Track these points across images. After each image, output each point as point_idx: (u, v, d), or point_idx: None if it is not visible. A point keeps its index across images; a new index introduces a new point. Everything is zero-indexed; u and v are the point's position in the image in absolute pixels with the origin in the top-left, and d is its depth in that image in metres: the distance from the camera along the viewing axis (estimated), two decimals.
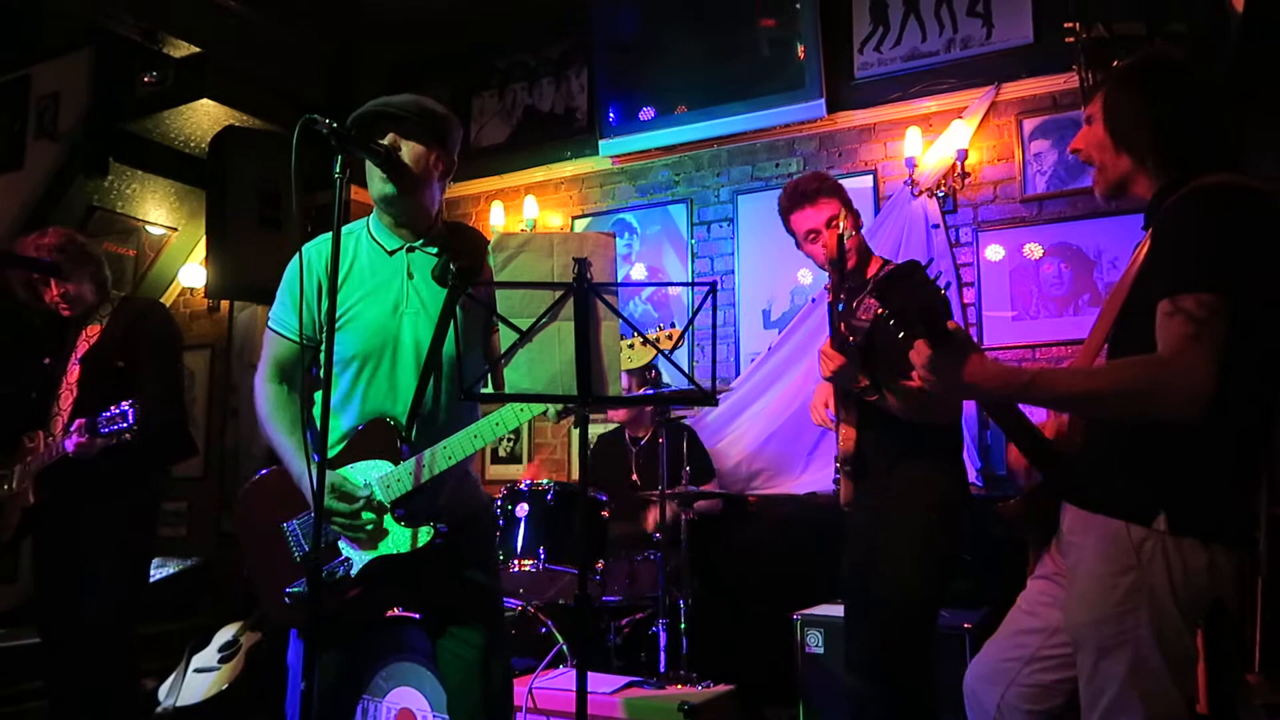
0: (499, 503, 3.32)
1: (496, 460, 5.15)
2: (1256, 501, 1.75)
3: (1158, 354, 1.54)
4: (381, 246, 2.18)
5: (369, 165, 2.09)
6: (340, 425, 2.13)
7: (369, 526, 2.04)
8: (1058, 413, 1.90)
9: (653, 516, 3.78)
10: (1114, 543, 1.64)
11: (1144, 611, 1.61)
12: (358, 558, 2.08)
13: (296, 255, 2.08)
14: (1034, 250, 4.06)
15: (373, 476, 2.08)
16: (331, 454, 2.08)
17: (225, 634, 4.38)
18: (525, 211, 5.08)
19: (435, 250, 2.18)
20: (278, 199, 4.33)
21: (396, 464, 2.07)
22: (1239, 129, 3.58)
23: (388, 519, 2.07)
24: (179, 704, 4.14)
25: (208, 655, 4.30)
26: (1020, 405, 1.86)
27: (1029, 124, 4.11)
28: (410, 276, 2.15)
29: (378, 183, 2.09)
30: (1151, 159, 1.73)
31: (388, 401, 2.11)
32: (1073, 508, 1.78)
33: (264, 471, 2.25)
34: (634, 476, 3.99)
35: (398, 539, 2.07)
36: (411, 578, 2.13)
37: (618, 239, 4.97)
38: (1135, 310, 1.65)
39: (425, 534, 2.05)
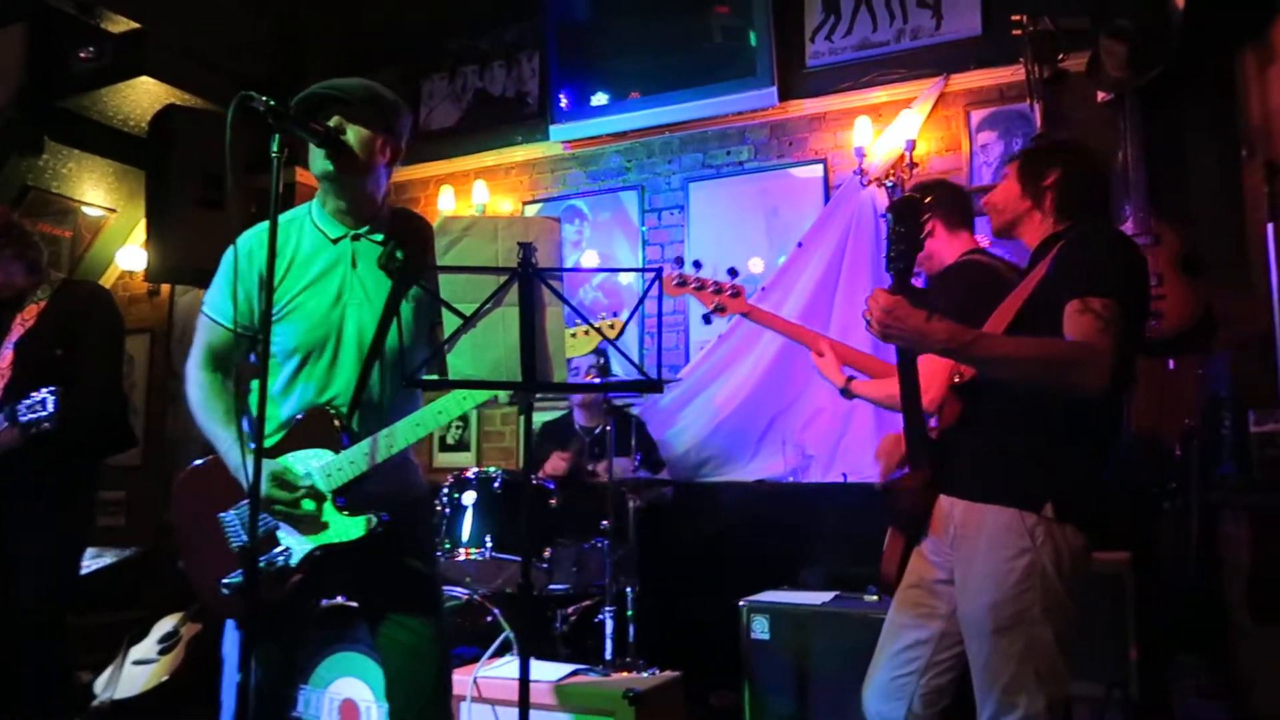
0: (445, 491, 3.29)
1: (444, 448, 5.09)
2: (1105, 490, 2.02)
3: (1076, 339, 1.79)
4: (324, 234, 2.13)
5: (310, 148, 2.04)
6: (279, 415, 2.09)
7: (309, 515, 2.01)
8: (981, 376, 2.05)
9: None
10: (1008, 529, 1.84)
11: (1037, 591, 1.80)
12: (297, 547, 2.04)
13: (237, 241, 2.03)
14: (979, 240, 4.10)
15: (313, 465, 2.04)
16: (270, 443, 2.04)
17: (165, 625, 4.29)
18: (475, 196, 5.02)
19: (380, 238, 2.13)
20: (220, 180, 4.23)
21: (337, 452, 2.04)
22: (1179, 123, 3.67)
23: (328, 508, 2.04)
24: (116, 697, 4.05)
25: (146, 647, 4.21)
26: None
27: (976, 115, 4.15)
28: (354, 265, 2.10)
29: (319, 160, 2.04)
30: (1047, 206, 2.08)
31: (329, 392, 2.08)
32: (962, 504, 1.95)
33: (200, 461, 2.20)
34: (589, 465, 3.97)
35: (339, 528, 2.03)
36: (351, 566, 2.10)
37: (568, 225, 4.94)
38: (1035, 309, 1.92)
39: (366, 523, 2.02)
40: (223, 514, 2.11)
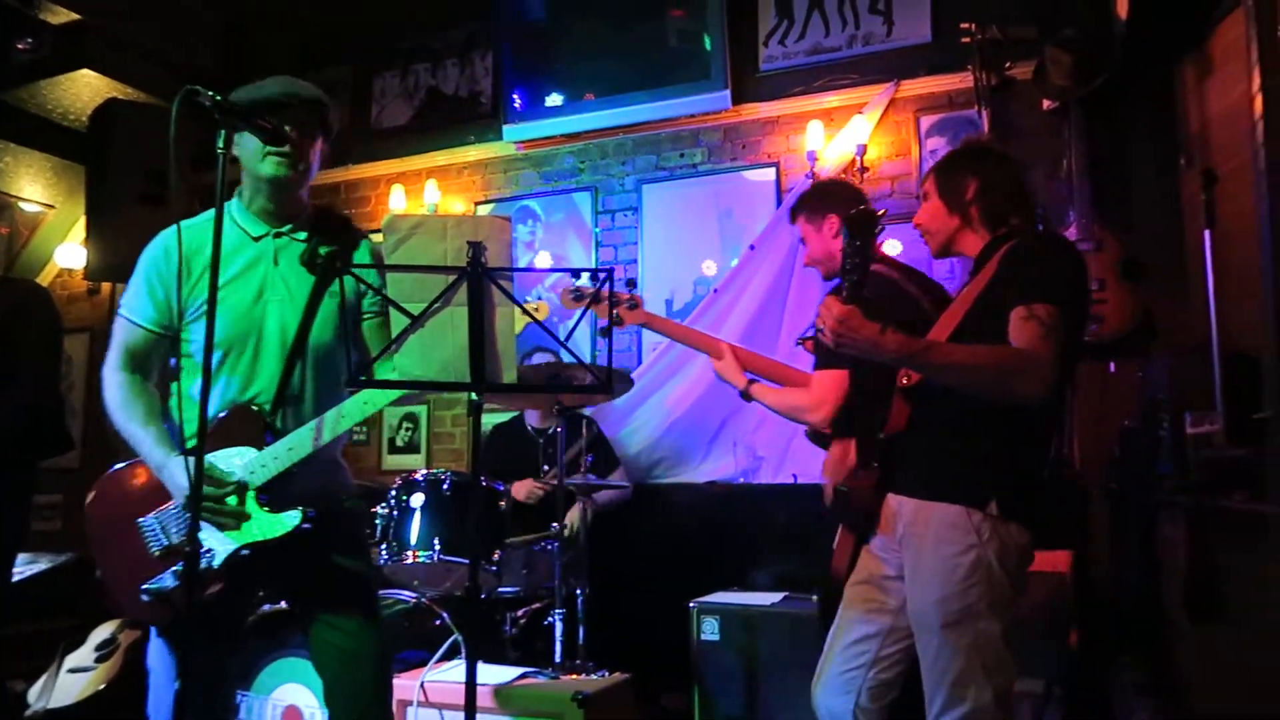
0: (394, 493, 3.24)
1: (394, 450, 5.03)
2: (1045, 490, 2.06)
3: (1019, 347, 1.85)
4: (246, 231, 2.11)
5: (249, 147, 2.03)
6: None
7: (234, 514, 1.98)
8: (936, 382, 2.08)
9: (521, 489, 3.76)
10: (955, 526, 1.90)
11: (983, 586, 1.86)
12: (220, 548, 2.00)
13: (155, 240, 2.07)
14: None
15: (235, 464, 2.02)
16: (192, 443, 1.98)
17: (102, 632, 4.17)
18: (427, 196, 4.97)
19: (304, 236, 2.13)
20: (163, 176, 4.13)
21: (260, 450, 2.02)
22: (1121, 132, 3.75)
23: (252, 506, 2.02)
24: (50, 706, 3.93)
25: (83, 655, 4.09)
26: None
27: (926, 121, 4.20)
28: (276, 263, 2.10)
29: (271, 164, 2.03)
30: (976, 219, 2.13)
31: (252, 389, 2.06)
32: (911, 502, 2.01)
33: (117, 466, 2.16)
34: (544, 466, 3.95)
35: (264, 526, 2.01)
36: (279, 566, 2.07)
37: (521, 226, 4.91)
38: (980, 314, 1.98)
39: (292, 519, 2.00)
40: (142, 519, 2.06)
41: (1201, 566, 2.47)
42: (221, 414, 2.05)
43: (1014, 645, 1.88)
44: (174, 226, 2.02)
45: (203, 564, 1.97)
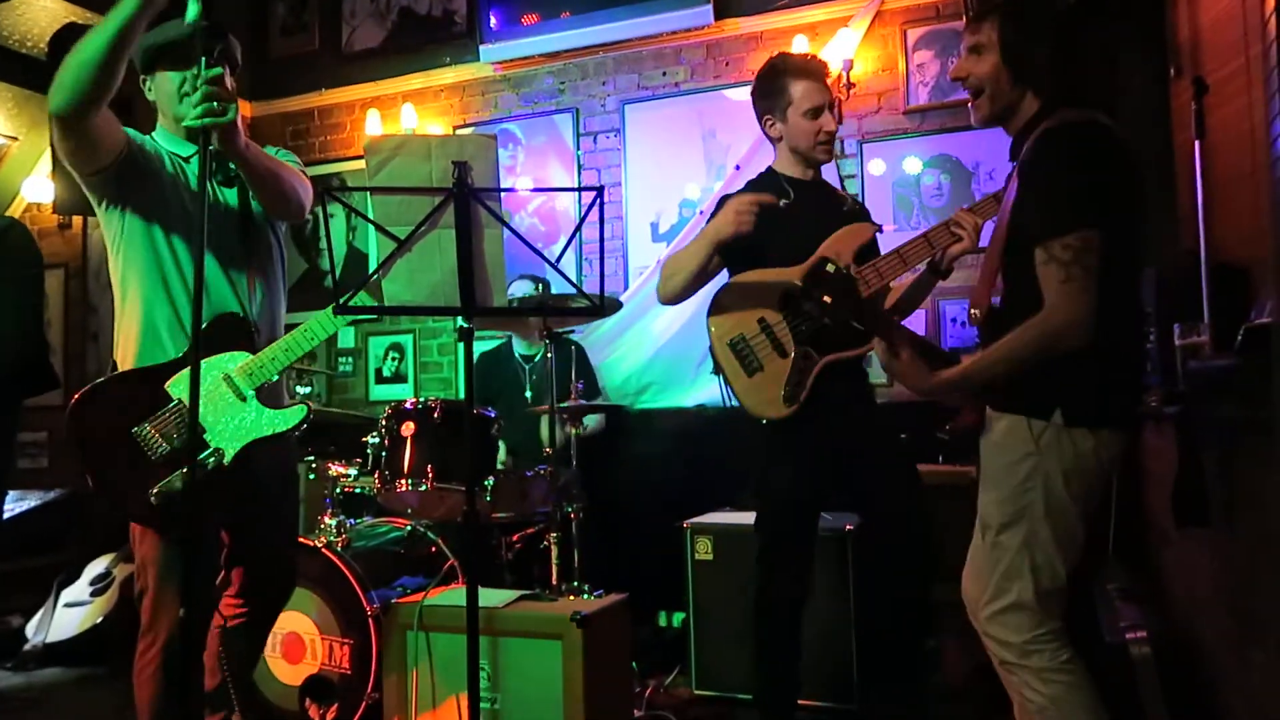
0: (384, 422, 3.23)
1: (381, 380, 5.01)
2: (1138, 387, 2.07)
3: (1044, 309, 1.81)
4: (176, 154, 2.27)
5: (170, 94, 2.21)
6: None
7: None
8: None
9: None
10: (1016, 434, 1.92)
11: (1038, 491, 1.89)
12: (229, 445, 2.14)
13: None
14: (914, 164, 4.12)
15: (231, 367, 2.16)
16: (182, 351, 2.13)
17: (97, 566, 4.20)
18: (403, 120, 4.86)
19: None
20: (129, 103, 4.00)
21: (254, 354, 2.17)
22: (1111, 42, 3.67)
23: (255, 405, 2.17)
24: (49, 640, 3.97)
25: (78, 589, 4.12)
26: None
27: (913, 34, 4.12)
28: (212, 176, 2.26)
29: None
30: (1038, 89, 1.95)
31: (229, 303, 2.20)
32: (989, 412, 2.01)
33: (100, 380, 2.21)
34: (528, 393, 3.95)
35: (271, 420, 2.18)
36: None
37: (502, 150, 4.82)
38: (1016, 246, 1.91)
39: (298, 413, 2.20)
40: (136, 428, 2.11)
41: (1189, 472, 2.50)
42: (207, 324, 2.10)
43: (1066, 547, 1.90)
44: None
45: (212, 463, 2.09)
